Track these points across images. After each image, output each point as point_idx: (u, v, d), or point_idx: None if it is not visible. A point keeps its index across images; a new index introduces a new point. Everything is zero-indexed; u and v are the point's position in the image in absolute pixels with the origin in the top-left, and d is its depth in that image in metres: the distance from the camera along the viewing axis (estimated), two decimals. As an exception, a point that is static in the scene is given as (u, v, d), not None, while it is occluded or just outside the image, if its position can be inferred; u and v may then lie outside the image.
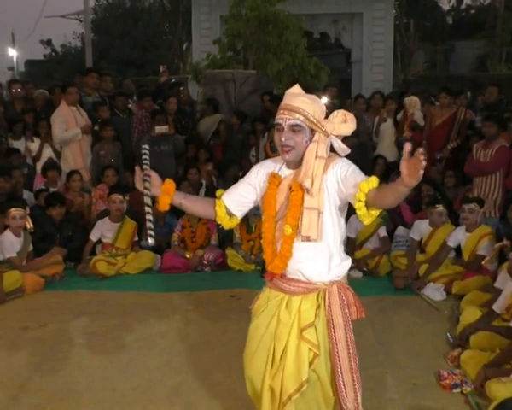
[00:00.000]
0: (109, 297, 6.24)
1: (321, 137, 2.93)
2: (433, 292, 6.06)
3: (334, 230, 3.00)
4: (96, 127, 8.52)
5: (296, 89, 3.06)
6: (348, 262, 3.15)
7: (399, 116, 9.09)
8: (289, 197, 2.96)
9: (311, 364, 2.99)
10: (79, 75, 10.00)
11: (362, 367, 4.49)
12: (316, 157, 2.91)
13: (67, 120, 8.34)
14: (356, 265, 6.81)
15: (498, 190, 7.05)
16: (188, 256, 7.21)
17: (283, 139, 2.92)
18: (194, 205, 3.37)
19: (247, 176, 3.32)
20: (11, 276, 6.17)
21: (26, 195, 7.94)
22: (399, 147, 9.01)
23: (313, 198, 2.90)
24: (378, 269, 6.87)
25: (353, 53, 18.45)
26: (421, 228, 6.81)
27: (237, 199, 3.25)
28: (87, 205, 8.02)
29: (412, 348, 4.88)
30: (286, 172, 3.06)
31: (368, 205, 2.81)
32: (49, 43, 29.78)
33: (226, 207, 3.23)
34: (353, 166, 2.93)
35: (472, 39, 28.70)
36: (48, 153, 8.50)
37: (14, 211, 6.46)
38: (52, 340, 5.11)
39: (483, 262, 5.68)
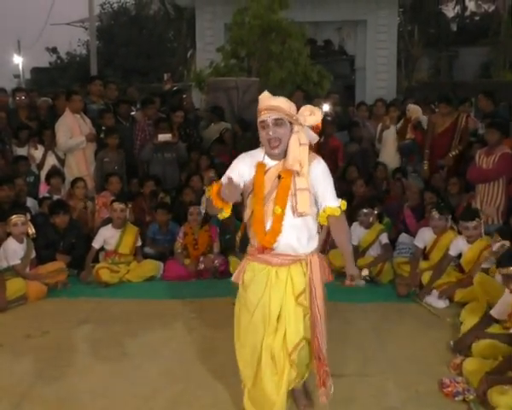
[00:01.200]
0: (112, 305, 6.25)
1: (299, 127, 3.53)
2: (436, 300, 6.05)
3: (312, 208, 3.63)
4: (102, 135, 8.55)
5: (267, 94, 3.64)
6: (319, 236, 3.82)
7: (399, 125, 9.11)
8: (278, 183, 3.54)
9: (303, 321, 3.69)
10: (84, 83, 10.04)
11: (364, 374, 4.52)
12: (300, 145, 3.51)
13: (72, 128, 8.38)
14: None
15: (501, 197, 7.04)
16: (186, 264, 7.21)
17: (271, 133, 3.50)
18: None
19: (234, 167, 3.69)
20: (14, 283, 6.19)
21: (31, 202, 7.96)
22: (401, 153, 9.03)
23: (303, 180, 3.52)
24: (381, 276, 6.86)
25: (357, 60, 18.47)
26: (425, 236, 6.80)
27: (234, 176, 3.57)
28: (90, 212, 8.04)
29: (414, 356, 4.87)
30: (270, 163, 3.61)
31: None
32: (54, 50, 29.89)
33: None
34: (328, 176, 3.67)
35: (476, 46, 28.73)
36: (51, 160, 8.52)
37: (15, 218, 6.48)
38: (55, 347, 5.12)
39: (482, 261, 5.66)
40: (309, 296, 3.66)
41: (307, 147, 3.53)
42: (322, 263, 3.78)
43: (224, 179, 3.53)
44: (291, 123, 3.53)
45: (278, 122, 3.48)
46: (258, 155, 3.67)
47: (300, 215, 3.54)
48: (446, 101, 8.53)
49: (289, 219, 3.56)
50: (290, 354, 3.63)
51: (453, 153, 8.27)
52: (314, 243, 3.74)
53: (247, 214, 3.75)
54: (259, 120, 3.54)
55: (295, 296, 3.65)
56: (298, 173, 3.49)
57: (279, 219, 3.54)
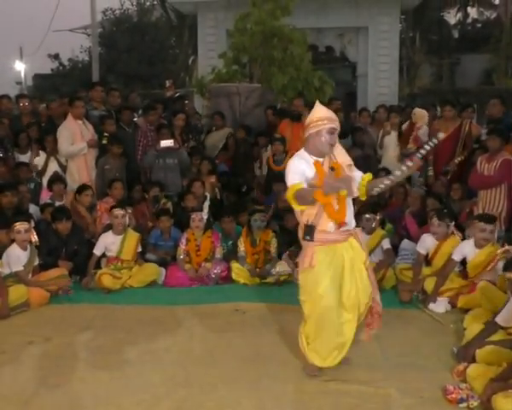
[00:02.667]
0: (114, 311, 6.24)
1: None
2: (438, 305, 6.03)
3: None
4: (104, 141, 8.55)
5: (323, 106, 4.61)
6: None
7: (405, 126, 9.11)
8: (333, 173, 4.39)
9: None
10: (85, 89, 10.05)
11: (367, 381, 4.51)
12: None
13: (74, 134, 8.40)
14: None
15: (503, 203, 7.04)
16: (187, 269, 7.20)
17: (329, 139, 4.43)
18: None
19: (297, 169, 4.41)
20: (17, 290, 6.18)
21: (33, 209, 7.97)
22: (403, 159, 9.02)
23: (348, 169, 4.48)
24: (383, 282, 6.84)
25: (359, 66, 18.47)
26: (428, 242, 6.79)
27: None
28: (92, 218, 8.05)
29: (418, 362, 4.85)
30: (320, 160, 4.46)
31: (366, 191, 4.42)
32: (56, 57, 29.96)
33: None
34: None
35: (478, 53, 28.78)
36: (53, 167, 8.54)
37: (18, 225, 6.49)
38: (57, 354, 5.12)
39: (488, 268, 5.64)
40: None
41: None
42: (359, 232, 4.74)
43: (296, 179, 4.32)
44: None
45: (333, 131, 4.43)
46: (304, 155, 4.52)
47: (352, 195, 4.44)
48: (450, 104, 8.54)
49: (345, 200, 4.44)
50: (360, 308, 4.61)
51: (458, 159, 8.28)
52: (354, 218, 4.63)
53: (312, 207, 4.34)
54: (323, 127, 4.41)
55: (363, 262, 4.58)
56: (350, 166, 4.55)
57: (343, 200, 4.41)
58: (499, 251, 5.60)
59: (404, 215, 7.87)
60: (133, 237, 7.34)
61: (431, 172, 8.45)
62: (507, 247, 5.24)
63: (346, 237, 4.53)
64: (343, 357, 4.63)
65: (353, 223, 4.61)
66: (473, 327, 5.13)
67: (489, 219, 6.28)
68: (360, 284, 4.54)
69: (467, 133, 8.36)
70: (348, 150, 9.11)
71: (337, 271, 4.48)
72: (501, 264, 5.96)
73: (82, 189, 8.06)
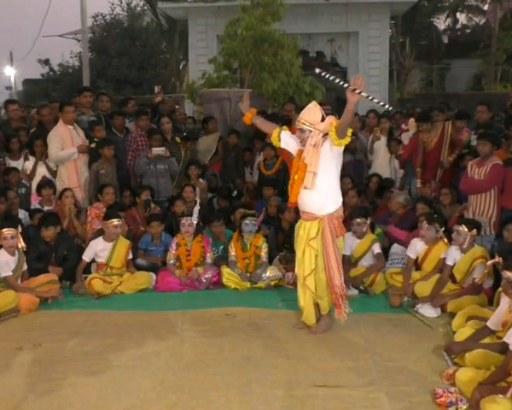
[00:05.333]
0: (104, 317, 6.21)
1: (314, 132, 5.27)
2: (428, 310, 6.05)
3: (327, 182, 5.29)
4: (93, 144, 8.52)
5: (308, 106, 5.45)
6: (339, 202, 5.44)
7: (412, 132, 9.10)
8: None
9: (315, 259, 5.41)
10: (74, 95, 10.02)
11: (357, 386, 4.52)
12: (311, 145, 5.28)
13: (64, 139, 8.37)
14: (352, 283, 6.84)
15: (493, 208, 7.07)
16: (177, 274, 7.19)
17: (298, 135, 5.44)
18: (262, 123, 5.90)
19: (294, 136, 5.58)
20: (6, 296, 6.15)
21: (22, 214, 7.94)
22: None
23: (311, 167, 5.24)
24: (373, 287, 6.86)
25: (349, 71, 18.55)
26: (418, 246, 6.82)
27: (285, 137, 5.63)
28: (82, 223, 8.03)
29: (408, 366, 4.86)
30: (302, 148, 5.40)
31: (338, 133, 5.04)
32: (46, 62, 29.84)
33: (279, 135, 5.62)
34: None
35: (467, 58, 28.94)
36: (42, 171, 8.51)
37: (5, 231, 6.46)
38: (47, 360, 5.09)
39: (476, 280, 5.68)
40: (322, 245, 5.36)
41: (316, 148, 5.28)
42: (334, 222, 5.35)
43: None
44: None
45: (300, 130, 5.38)
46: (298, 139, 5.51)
47: (306, 189, 5.32)
48: (425, 118, 8.63)
49: (299, 184, 5.44)
50: (305, 279, 5.49)
51: (450, 159, 8.33)
52: (330, 208, 5.38)
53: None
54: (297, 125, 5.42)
55: (308, 240, 5.42)
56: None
57: (296, 183, 5.47)
58: (488, 263, 5.61)
59: (390, 220, 7.93)
60: (124, 244, 7.32)
61: (419, 184, 8.49)
62: (496, 259, 5.25)
63: (309, 218, 5.40)
64: (309, 322, 5.65)
65: (321, 209, 5.32)
66: (462, 331, 5.16)
67: (460, 220, 6.46)
68: (306, 260, 5.46)
69: (451, 133, 8.40)
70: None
71: (299, 243, 5.52)
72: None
73: (62, 192, 8.08)
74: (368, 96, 4.83)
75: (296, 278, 6.60)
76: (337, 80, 4.96)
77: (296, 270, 5.67)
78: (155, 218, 7.79)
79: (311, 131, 5.27)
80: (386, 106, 5.04)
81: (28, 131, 9.05)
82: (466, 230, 6.25)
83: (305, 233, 5.44)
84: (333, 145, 5.17)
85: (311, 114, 5.32)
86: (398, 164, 9.09)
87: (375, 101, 4.86)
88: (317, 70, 5.10)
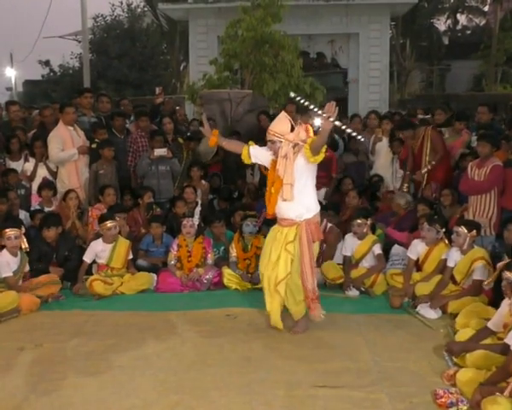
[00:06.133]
0: (105, 317, 6.21)
1: (284, 143, 5.31)
2: (428, 310, 6.05)
3: (305, 188, 5.37)
4: (94, 145, 8.53)
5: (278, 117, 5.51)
6: (317, 208, 5.53)
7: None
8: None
9: (291, 264, 5.42)
10: (74, 96, 10.03)
11: (358, 386, 4.53)
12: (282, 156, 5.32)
13: (64, 140, 8.36)
14: (352, 284, 6.85)
15: (493, 209, 7.07)
16: (178, 275, 7.20)
17: (268, 146, 5.51)
18: (229, 144, 6.02)
19: (265, 148, 5.62)
20: (7, 296, 6.15)
21: (23, 215, 7.94)
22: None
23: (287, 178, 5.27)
24: (374, 288, 6.86)
25: (350, 72, 18.59)
26: (418, 247, 6.82)
27: (254, 152, 5.71)
28: (83, 224, 8.04)
29: (408, 367, 4.86)
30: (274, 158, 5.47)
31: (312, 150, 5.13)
32: (47, 63, 29.92)
33: (248, 153, 5.70)
34: None
35: (468, 59, 28.97)
36: (42, 172, 8.51)
37: (9, 231, 6.48)
38: (48, 360, 5.09)
39: (484, 284, 5.65)
40: (299, 250, 5.41)
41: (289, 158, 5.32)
42: (311, 227, 5.41)
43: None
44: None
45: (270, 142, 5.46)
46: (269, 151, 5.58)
47: (284, 200, 5.35)
48: (405, 127, 8.66)
49: (276, 195, 5.47)
50: (277, 284, 5.46)
51: (425, 169, 8.34)
52: (307, 214, 5.43)
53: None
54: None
55: (285, 244, 5.44)
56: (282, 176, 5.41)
57: (273, 195, 5.49)
58: (499, 264, 5.60)
59: (390, 221, 7.93)
60: (124, 244, 7.32)
61: (406, 189, 8.51)
62: (506, 260, 5.24)
63: (287, 224, 5.45)
64: (279, 326, 5.65)
65: (299, 216, 5.38)
66: (463, 332, 5.17)
67: (460, 221, 6.48)
68: (281, 264, 5.44)
69: (431, 136, 8.40)
70: (341, 156, 9.24)
71: (275, 246, 5.50)
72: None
73: (66, 194, 8.09)
74: (341, 126, 5.09)
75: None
76: (311, 106, 5.16)
77: (267, 274, 5.55)
78: (156, 219, 7.80)
79: (281, 141, 5.31)
80: (359, 137, 5.30)
81: (26, 131, 9.04)
82: (465, 231, 6.26)
83: (282, 237, 5.46)
84: (308, 162, 5.27)
85: (280, 124, 5.38)
86: (398, 165, 9.10)
87: (348, 131, 5.18)
88: (292, 94, 5.22)
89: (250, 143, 5.81)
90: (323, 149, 5.22)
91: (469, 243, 6.28)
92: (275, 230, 5.61)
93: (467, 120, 9.12)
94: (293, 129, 5.34)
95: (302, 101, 5.13)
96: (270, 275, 5.51)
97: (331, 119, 4.87)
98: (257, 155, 5.70)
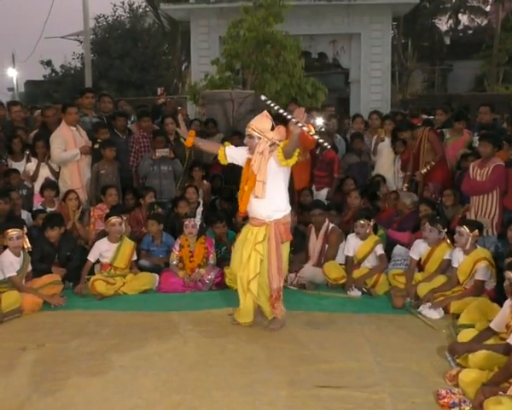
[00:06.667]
0: (107, 317, 6.22)
1: (263, 140, 5.39)
2: (431, 311, 6.05)
3: (276, 190, 5.43)
4: (96, 145, 8.54)
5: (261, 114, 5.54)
6: (287, 209, 5.59)
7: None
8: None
9: (260, 263, 5.53)
10: (76, 97, 10.04)
11: (360, 386, 4.52)
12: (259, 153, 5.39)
13: (67, 141, 8.37)
14: (354, 284, 6.85)
15: (495, 209, 7.08)
16: (181, 275, 7.20)
17: (246, 141, 5.58)
18: (205, 145, 6.17)
19: (240, 148, 5.76)
20: (9, 296, 6.16)
21: (25, 215, 7.95)
22: None
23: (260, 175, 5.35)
24: (376, 288, 6.86)
25: (351, 73, 18.59)
26: (420, 247, 6.83)
27: (230, 152, 5.76)
28: (85, 224, 8.04)
29: (410, 367, 4.86)
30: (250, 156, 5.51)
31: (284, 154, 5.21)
32: (48, 63, 29.93)
33: (225, 154, 5.74)
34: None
35: (469, 59, 28.94)
36: (45, 173, 8.52)
37: (11, 232, 6.48)
38: (50, 360, 5.10)
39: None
40: (267, 250, 5.49)
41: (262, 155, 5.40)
42: (280, 228, 5.50)
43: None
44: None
45: (248, 136, 5.51)
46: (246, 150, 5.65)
47: (256, 197, 5.43)
48: (403, 127, 8.67)
49: (248, 194, 5.54)
50: (249, 283, 5.59)
51: (424, 170, 8.34)
52: (277, 214, 5.51)
53: None
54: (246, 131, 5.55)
55: (254, 244, 5.54)
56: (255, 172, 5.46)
57: (246, 194, 5.54)
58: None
59: (394, 219, 7.94)
60: (128, 245, 7.34)
61: (405, 189, 8.53)
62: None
63: (257, 224, 5.52)
64: (243, 319, 5.81)
65: (269, 216, 5.46)
66: (466, 332, 5.17)
67: (462, 221, 6.52)
68: (251, 264, 5.55)
69: (428, 138, 8.40)
70: (344, 156, 9.24)
71: (246, 246, 5.58)
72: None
73: (66, 194, 8.11)
74: (309, 132, 5.09)
75: (297, 279, 6.81)
76: (281, 111, 5.17)
77: (239, 274, 5.67)
78: (152, 217, 7.79)
79: (260, 138, 5.38)
80: (325, 144, 5.42)
81: (27, 131, 9.05)
82: (468, 230, 6.26)
83: (252, 237, 5.55)
84: (280, 165, 5.34)
85: (262, 121, 5.44)
86: (400, 165, 9.10)
87: (316, 137, 5.22)
88: (263, 97, 5.23)
89: (226, 143, 5.94)
90: (296, 153, 5.29)
91: (472, 244, 6.28)
92: (246, 229, 5.70)
93: (466, 119, 9.11)
94: (273, 128, 5.42)
95: (272, 104, 5.13)
96: (241, 275, 5.62)
97: (299, 124, 4.96)
98: (232, 155, 5.77)
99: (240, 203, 5.63)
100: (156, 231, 7.69)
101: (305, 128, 5.00)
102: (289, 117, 5.03)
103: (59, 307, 6.48)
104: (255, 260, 5.55)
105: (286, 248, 5.67)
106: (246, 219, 7.33)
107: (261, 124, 5.42)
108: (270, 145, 5.38)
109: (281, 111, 5.14)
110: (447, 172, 8.56)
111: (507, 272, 4.77)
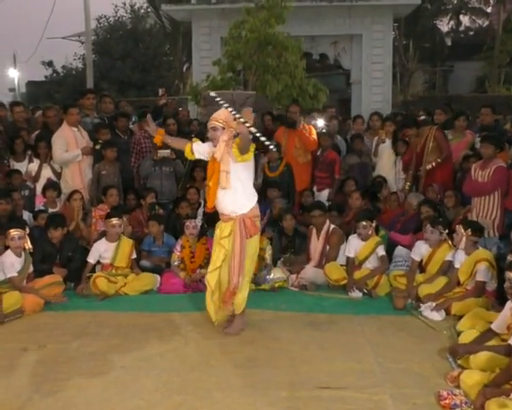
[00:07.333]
0: (108, 318, 6.22)
1: (227, 130, 5.40)
2: (432, 312, 6.04)
3: (239, 183, 5.41)
4: (98, 146, 8.54)
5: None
6: (252, 203, 5.56)
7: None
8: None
9: (223, 259, 5.55)
10: (77, 98, 10.04)
11: (361, 387, 4.52)
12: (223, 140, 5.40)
13: (68, 141, 8.38)
14: (355, 285, 6.85)
15: (497, 210, 7.08)
16: (182, 276, 7.20)
17: (209, 135, 5.60)
18: (174, 142, 6.21)
19: (207, 144, 5.74)
20: (11, 297, 6.17)
21: (26, 216, 7.96)
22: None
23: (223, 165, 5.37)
24: (377, 289, 6.86)
25: (353, 74, 18.56)
26: (422, 249, 6.83)
27: (197, 147, 5.76)
28: (87, 225, 8.05)
29: (412, 368, 4.86)
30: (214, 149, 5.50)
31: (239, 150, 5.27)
32: (50, 64, 29.95)
33: (191, 150, 5.74)
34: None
35: (470, 60, 28.94)
36: (47, 173, 8.52)
37: (13, 232, 6.49)
38: (51, 361, 5.10)
39: None
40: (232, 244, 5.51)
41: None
42: (246, 223, 5.49)
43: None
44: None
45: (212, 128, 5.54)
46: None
47: (222, 188, 5.44)
48: (410, 123, 8.67)
49: (215, 189, 5.54)
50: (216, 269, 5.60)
51: (429, 166, 8.33)
52: (243, 209, 5.50)
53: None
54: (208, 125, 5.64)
55: (220, 238, 5.60)
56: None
57: (212, 189, 5.54)
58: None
59: (396, 222, 7.94)
60: (127, 243, 7.35)
61: (407, 187, 8.53)
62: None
63: (225, 219, 5.57)
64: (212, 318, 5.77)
65: (234, 210, 5.48)
66: (467, 333, 5.17)
67: (463, 222, 6.53)
68: (216, 255, 5.62)
69: (435, 136, 8.39)
70: (345, 157, 9.22)
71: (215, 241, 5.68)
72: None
73: (70, 195, 8.11)
74: (255, 133, 5.17)
75: (298, 280, 6.77)
76: (230, 109, 5.26)
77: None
78: (153, 217, 7.79)
79: (223, 128, 5.43)
80: (271, 146, 5.48)
81: (29, 131, 9.06)
82: (462, 230, 6.27)
83: (219, 232, 5.62)
84: (236, 161, 5.36)
85: (224, 113, 5.48)
86: (401, 166, 9.10)
87: (262, 139, 5.28)
88: (212, 93, 5.27)
89: (194, 139, 5.94)
90: (252, 149, 5.35)
91: (468, 243, 6.27)
92: (217, 226, 5.75)
93: (466, 115, 9.11)
94: (235, 120, 5.41)
95: (221, 102, 5.20)
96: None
97: (247, 124, 5.07)
98: (199, 150, 5.77)
99: (207, 199, 5.66)
100: (157, 232, 7.69)
101: (252, 129, 5.09)
102: (237, 116, 5.14)
103: (60, 307, 6.49)
104: (217, 254, 5.58)
105: (253, 244, 5.63)
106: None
107: (224, 115, 5.46)
108: (234, 136, 5.40)
109: (230, 110, 5.20)
110: (451, 172, 8.55)
111: (507, 273, 4.77)
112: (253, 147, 5.35)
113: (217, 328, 5.82)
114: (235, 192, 5.43)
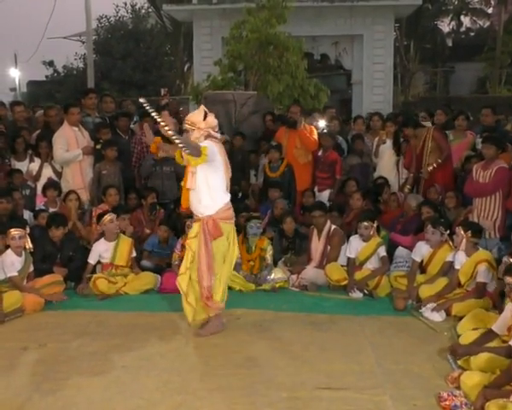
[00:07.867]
0: (109, 317, 6.22)
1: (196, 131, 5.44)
2: (432, 313, 6.04)
3: (204, 184, 5.45)
4: (98, 146, 8.54)
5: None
6: (218, 204, 5.52)
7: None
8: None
9: (193, 258, 5.56)
10: (78, 97, 10.04)
11: (362, 388, 4.52)
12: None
13: (69, 141, 8.37)
14: (356, 285, 6.85)
15: (498, 211, 7.07)
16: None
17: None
18: (170, 150, 5.85)
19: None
20: (11, 296, 6.17)
21: (27, 215, 7.96)
22: None
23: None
24: (378, 290, 6.86)
25: (354, 74, 18.58)
26: (422, 249, 6.82)
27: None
28: (86, 225, 8.05)
29: (412, 369, 4.86)
30: None
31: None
32: (51, 64, 29.95)
33: (181, 154, 5.56)
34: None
35: (471, 61, 28.95)
36: (48, 173, 8.52)
37: (13, 231, 6.49)
38: (52, 360, 5.10)
39: None
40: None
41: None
42: (210, 224, 5.47)
43: None
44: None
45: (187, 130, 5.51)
46: None
47: (190, 188, 5.52)
48: (408, 123, 8.68)
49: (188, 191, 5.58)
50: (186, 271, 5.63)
51: (431, 167, 8.30)
52: (208, 210, 5.50)
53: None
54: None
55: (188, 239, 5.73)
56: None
57: (186, 190, 5.59)
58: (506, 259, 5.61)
59: (397, 223, 7.93)
60: (126, 242, 7.35)
61: (407, 190, 8.52)
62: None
63: (195, 220, 5.64)
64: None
65: (200, 210, 5.52)
66: (467, 334, 5.16)
67: (463, 223, 6.54)
68: (186, 257, 5.67)
69: (433, 137, 8.38)
70: (346, 158, 9.22)
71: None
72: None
73: (66, 195, 8.10)
74: (173, 136, 5.16)
75: (299, 281, 6.72)
76: (154, 114, 5.16)
77: None
78: (166, 223, 7.82)
79: (193, 129, 5.45)
80: (187, 151, 5.31)
81: (30, 131, 9.05)
82: (462, 231, 6.26)
83: (189, 233, 5.74)
84: (190, 165, 5.44)
85: (195, 114, 5.55)
86: (403, 165, 9.08)
87: (180, 145, 5.22)
88: (141, 100, 5.23)
89: None
90: (205, 152, 5.26)
91: (468, 245, 6.27)
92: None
93: (465, 114, 9.11)
94: (205, 118, 5.48)
95: (148, 107, 5.14)
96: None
97: (166, 128, 5.10)
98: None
99: (182, 200, 5.75)
100: (167, 237, 7.71)
101: (170, 132, 5.11)
102: (159, 120, 5.13)
103: (60, 307, 6.49)
104: (186, 255, 5.65)
105: (220, 246, 5.57)
106: (250, 219, 7.37)
107: (193, 117, 5.52)
108: (206, 137, 5.45)
109: (153, 114, 5.15)
110: (451, 172, 8.54)
111: (506, 278, 4.76)
112: (205, 149, 5.28)
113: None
114: (200, 192, 5.48)
